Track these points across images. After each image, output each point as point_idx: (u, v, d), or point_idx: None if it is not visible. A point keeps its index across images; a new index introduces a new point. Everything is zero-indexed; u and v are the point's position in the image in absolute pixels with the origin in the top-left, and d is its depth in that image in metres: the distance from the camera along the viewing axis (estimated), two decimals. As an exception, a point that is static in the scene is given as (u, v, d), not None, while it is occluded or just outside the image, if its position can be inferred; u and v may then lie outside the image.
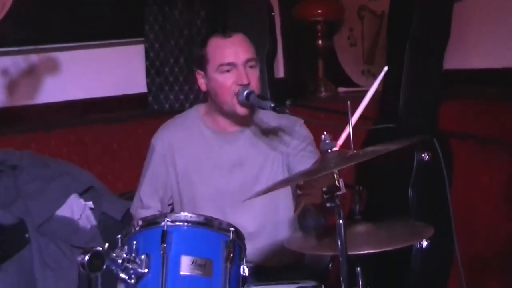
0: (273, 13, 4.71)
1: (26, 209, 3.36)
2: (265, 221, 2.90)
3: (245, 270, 2.39)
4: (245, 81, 2.76)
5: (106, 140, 4.17)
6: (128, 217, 3.16)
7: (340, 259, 2.18)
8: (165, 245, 2.26)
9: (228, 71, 2.78)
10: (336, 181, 2.19)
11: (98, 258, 2.16)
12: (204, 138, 2.91)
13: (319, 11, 4.95)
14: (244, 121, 2.89)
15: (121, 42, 4.47)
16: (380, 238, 2.37)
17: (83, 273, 2.17)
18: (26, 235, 3.31)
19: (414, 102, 3.88)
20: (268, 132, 2.91)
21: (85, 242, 3.32)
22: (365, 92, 4.56)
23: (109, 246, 2.23)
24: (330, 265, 3.04)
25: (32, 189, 3.43)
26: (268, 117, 2.91)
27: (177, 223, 2.34)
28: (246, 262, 2.44)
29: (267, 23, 4.60)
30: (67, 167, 3.65)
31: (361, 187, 2.45)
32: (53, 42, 4.19)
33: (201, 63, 2.85)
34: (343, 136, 2.49)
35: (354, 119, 2.51)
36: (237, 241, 2.38)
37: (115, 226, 3.40)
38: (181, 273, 2.27)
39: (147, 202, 2.93)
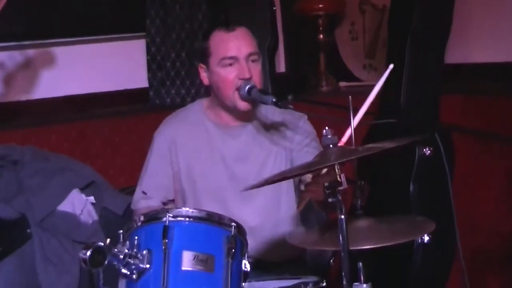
0: (274, 8, 4.70)
1: (28, 204, 3.36)
2: (267, 216, 2.90)
3: (246, 265, 2.39)
4: (247, 75, 2.76)
5: (107, 134, 4.16)
6: (129, 212, 3.16)
7: (342, 254, 2.18)
8: (166, 241, 2.26)
9: (230, 65, 2.78)
10: (338, 176, 2.19)
11: (99, 253, 2.16)
12: (207, 132, 2.91)
13: (320, 5, 4.94)
14: (246, 116, 2.89)
15: (122, 37, 4.46)
16: (382, 233, 2.36)
17: (84, 268, 2.18)
18: (28, 230, 3.31)
19: (416, 96, 3.88)
20: (271, 127, 2.91)
21: (87, 237, 3.32)
22: (367, 86, 4.56)
23: (110, 241, 2.23)
24: (331, 260, 3.04)
25: (34, 184, 3.43)
26: (271, 112, 2.91)
27: (179, 218, 2.34)
28: (248, 257, 2.44)
29: (268, 18, 4.59)
30: (68, 162, 3.64)
31: (362, 182, 2.45)
32: (54, 37, 4.19)
33: (204, 56, 2.85)
34: (347, 135, 2.49)
35: (357, 119, 2.51)
36: (239, 236, 2.38)
37: (117, 221, 3.40)
38: (183, 268, 2.27)
39: (150, 194, 2.93)
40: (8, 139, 3.73)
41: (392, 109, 3.86)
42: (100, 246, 2.17)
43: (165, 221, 2.31)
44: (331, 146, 2.26)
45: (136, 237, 2.32)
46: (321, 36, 5.01)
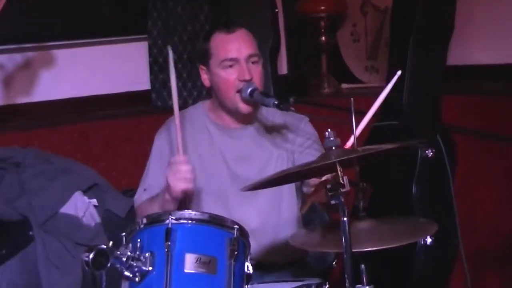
0: (276, 9, 4.70)
1: (30, 206, 3.37)
2: (269, 218, 2.89)
3: (249, 268, 2.39)
4: (247, 77, 2.76)
5: (109, 136, 4.17)
6: (132, 214, 3.16)
7: (344, 256, 2.18)
8: (169, 243, 2.26)
9: (230, 66, 2.78)
10: (341, 178, 2.19)
11: (102, 256, 2.16)
12: (208, 134, 2.91)
13: (322, 7, 4.94)
14: (247, 118, 2.89)
15: (124, 39, 4.46)
16: (384, 235, 2.36)
17: (87, 271, 2.18)
18: (30, 233, 3.32)
19: (418, 96, 3.87)
20: (273, 130, 2.91)
21: (89, 240, 3.33)
22: (369, 88, 4.57)
23: (113, 243, 2.24)
24: (334, 262, 3.04)
25: (36, 185, 3.43)
26: (273, 114, 2.91)
27: (181, 221, 2.34)
28: (250, 258, 2.44)
29: (270, 19, 4.59)
30: (70, 164, 3.65)
31: (365, 184, 2.45)
32: (56, 40, 4.19)
33: (204, 58, 2.85)
34: (350, 140, 2.49)
35: (361, 126, 2.51)
36: (241, 239, 2.38)
37: (119, 223, 3.40)
38: (186, 270, 2.27)
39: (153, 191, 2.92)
40: (10, 141, 3.74)
41: (394, 110, 3.86)
42: (103, 249, 2.17)
43: (168, 224, 2.31)
44: (333, 148, 2.26)
45: (139, 240, 2.32)
46: (323, 37, 5.01)
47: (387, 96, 2.62)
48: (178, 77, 4.46)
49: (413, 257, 3.65)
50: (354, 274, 2.22)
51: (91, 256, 2.14)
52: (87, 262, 2.14)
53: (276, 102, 2.65)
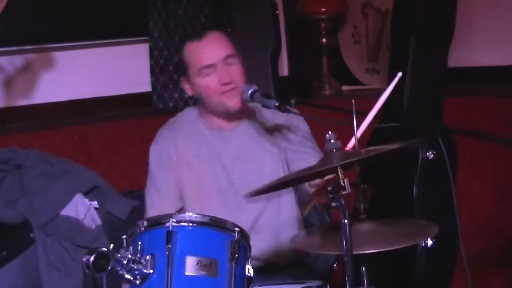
0: (277, 11, 4.70)
1: (31, 208, 3.37)
2: (269, 218, 2.90)
3: (250, 270, 2.39)
4: (226, 80, 2.76)
5: (110, 138, 4.18)
6: (133, 216, 3.16)
7: (345, 258, 2.18)
8: (170, 246, 2.26)
9: (209, 74, 2.78)
10: (341, 181, 2.19)
11: (103, 258, 2.16)
12: (203, 137, 2.92)
13: (323, 9, 4.93)
14: (238, 116, 2.89)
15: (125, 41, 4.47)
16: (385, 237, 2.36)
17: (88, 273, 2.17)
18: (31, 235, 3.32)
19: (419, 98, 3.87)
20: (266, 127, 2.92)
21: (90, 242, 3.33)
22: (370, 90, 4.56)
23: (114, 246, 2.23)
24: (335, 265, 3.04)
25: (37, 187, 3.43)
26: (266, 112, 2.91)
27: (182, 223, 2.33)
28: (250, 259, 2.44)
29: (271, 21, 4.60)
30: (71, 166, 3.65)
31: (365, 186, 2.45)
32: (57, 42, 4.20)
33: (183, 69, 2.87)
34: (351, 142, 2.48)
35: (362, 128, 2.51)
36: (242, 241, 2.37)
37: (120, 225, 3.40)
38: (186, 273, 2.26)
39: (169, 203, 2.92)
40: (11, 142, 3.75)
41: (395, 112, 3.86)
42: (104, 251, 2.17)
43: (169, 226, 2.30)
44: (334, 151, 2.26)
45: (140, 242, 2.32)
46: (324, 39, 5.00)
47: (388, 98, 2.61)
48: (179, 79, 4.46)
49: (414, 259, 3.65)
50: (355, 276, 2.22)
51: (91, 258, 2.14)
52: (87, 265, 2.14)
53: (277, 104, 2.65)
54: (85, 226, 3.41)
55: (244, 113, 2.90)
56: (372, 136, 3.62)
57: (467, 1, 4.10)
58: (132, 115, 4.38)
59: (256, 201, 2.85)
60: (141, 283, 2.27)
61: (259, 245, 2.79)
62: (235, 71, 2.80)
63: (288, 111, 2.69)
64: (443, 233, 2.42)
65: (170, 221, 2.31)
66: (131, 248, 2.31)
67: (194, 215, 2.37)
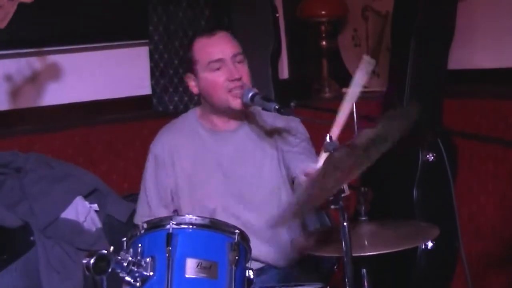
0: (277, 14, 4.70)
1: (31, 211, 3.36)
2: (269, 218, 2.89)
3: (250, 272, 2.39)
4: (236, 75, 2.77)
5: (110, 140, 4.17)
6: (133, 219, 3.15)
7: (345, 260, 2.18)
8: (170, 248, 2.26)
9: (218, 69, 2.78)
10: (340, 184, 2.19)
11: (103, 261, 2.16)
12: (202, 140, 2.92)
13: (323, 12, 4.93)
14: (238, 116, 2.89)
15: (125, 44, 4.47)
16: (386, 239, 2.37)
17: (88, 276, 2.18)
18: (31, 238, 3.31)
19: (419, 99, 3.87)
20: (264, 129, 2.92)
21: (90, 245, 3.33)
22: (370, 92, 4.56)
23: (114, 248, 2.24)
24: (335, 267, 3.04)
25: (37, 190, 3.43)
26: (266, 114, 2.91)
27: (182, 226, 2.34)
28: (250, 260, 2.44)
29: (271, 24, 4.59)
30: (71, 169, 3.65)
31: (366, 188, 2.45)
32: (57, 45, 4.20)
33: (190, 65, 2.86)
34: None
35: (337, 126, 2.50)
36: (242, 243, 2.38)
37: (120, 228, 3.40)
38: (187, 275, 2.27)
39: (155, 210, 2.93)
40: (11, 145, 3.74)
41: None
42: (104, 254, 2.17)
43: (169, 229, 2.31)
44: (332, 151, 2.26)
45: (140, 245, 2.33)
46: (324, 42, 5.00)
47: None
48: (179, 82, 4.46)
49: (415, 261, 3.65)
50: (356, 278, 2.22)
51: (92, 261, 2.14)
52: (88, 267, 2.14)
53: (277, 107, 2.65)
54: (85, 228, 3.41)
55: (244, 116, 2.91)
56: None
57: (467, 3, 4.10)
58: (132, 118, 4.37)
59: (255, 202, 2.86)
60: (141, 286, 2.28)
61: (260, 247, 2.80)
62: (243, 70, 2.81)
63: (288, 114, 2.70)
64: (443, 235, 2.42)
65: (170, 224, 2.32)
66: (131, 250, 2.31)
67: (194, 217, 2.37)
